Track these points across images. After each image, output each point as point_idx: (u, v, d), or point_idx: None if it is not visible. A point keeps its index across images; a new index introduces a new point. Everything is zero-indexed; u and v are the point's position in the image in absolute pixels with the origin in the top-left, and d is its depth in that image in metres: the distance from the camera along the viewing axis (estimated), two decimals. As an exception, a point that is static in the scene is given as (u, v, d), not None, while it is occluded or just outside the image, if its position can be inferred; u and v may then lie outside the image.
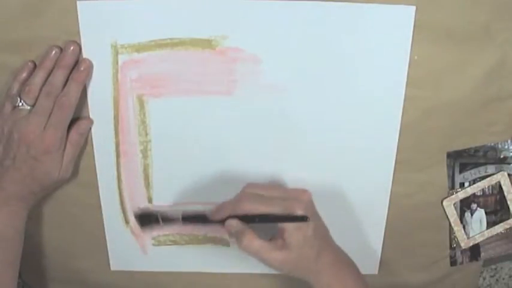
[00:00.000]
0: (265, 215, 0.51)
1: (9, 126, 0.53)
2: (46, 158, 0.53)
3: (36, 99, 0.52)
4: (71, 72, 0.53)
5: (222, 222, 0.53)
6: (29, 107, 0.52)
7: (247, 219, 0.52)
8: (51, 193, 0.60)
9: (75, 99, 0.53)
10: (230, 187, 0.61)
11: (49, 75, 0.53)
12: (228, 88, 0.56)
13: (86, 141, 0.58)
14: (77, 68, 0.53)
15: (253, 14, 0.52)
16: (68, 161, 0.55)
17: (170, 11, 0.52)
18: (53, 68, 0.53)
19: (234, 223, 0.52)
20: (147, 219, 0.61)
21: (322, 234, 0.54)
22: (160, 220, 0.60)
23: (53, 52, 0.53)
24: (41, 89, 0.52)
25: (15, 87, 0.53)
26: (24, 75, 0.53)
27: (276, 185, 0.59)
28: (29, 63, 0.54)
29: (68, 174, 0.56)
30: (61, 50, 0.53)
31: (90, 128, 0.57)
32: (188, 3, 0.52)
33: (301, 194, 0.53)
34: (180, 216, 0.58)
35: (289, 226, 0.51)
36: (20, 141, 0.52)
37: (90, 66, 0.54)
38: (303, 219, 0.50)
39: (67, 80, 0.53)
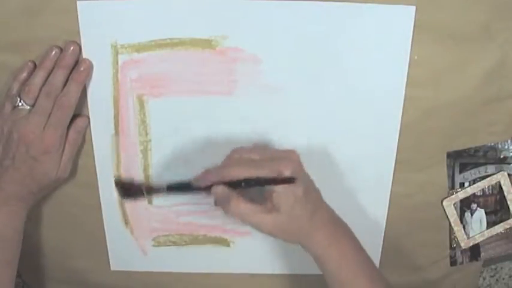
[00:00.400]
0: (251, 178, 0.49)
1: (9, 126, 0.53)
2: (45, 158, 0.53)
3: (36, 99, 0.52)
4: (71, 72, 0.53)
5: (207, 189, 0.51)
6: (28, 107, 0.52)
7: (234, 184, 0.49)
8: (51, 193, 0.60)
9: (75, 99, 0.53)
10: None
11: (49, 75, 0.53)
12: (228, 88, 0.56)
13: (85, 140, 0.58)
14: (77, 68, 0.53)
15: (253, 14, 0.52)
16: (66, 160, 0.55)
17: (170, 11, 0.52)
18: (53, 68, 0.53)
19: (219, 189, 0.50)
20: (129, 190, 0.58)
21: (314, 195, 0.52)
22: (144, 192, 0.57)
23: (53, 52, 0.53)
24: (40, 89, 0.52)
25: (15, 87, 0.53)
26: (24, 75, 0.53)
27: (262, 147, 0.57)
28: (29, 63, 0.54)
29: (66, 173, 0.56)
30: (61, 50, 0.53)
31: (87, 126, 0.57)
32: (188, 3, 0.52)
33: (289, 154, 0.51)
34: (165, 186, 0.54)
35: (277, 188, 0.49)
36: (20, 141, 0.52)
37: (90, 67, 0.54)
38: (290, 180, 0.48)
39: (67, 80, 0.53)
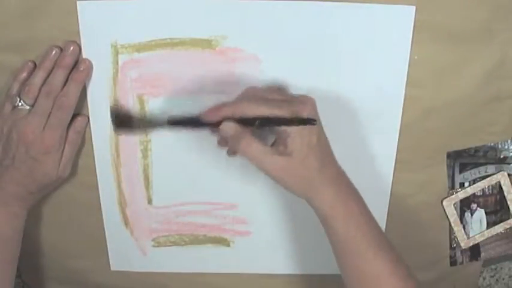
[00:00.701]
0: (267, 117, 0.46)
1: (9, 126, 0.52)
2: (45, 158, 0.53)
3: (36, 99, 0.52)
4: (71, 72, 0.53)
5: (215, 126, 0.48)
6: (28, 107, 0.52)
7: (247, 122, 0.47)
8: (51, 193, 0.60)
9: (74, 100, 0.53)
10: (230, 188, 0.61)
11: (49, 75, 0.53)
12: (228, 88, 0.56)
13: (85, 140, 0.58)
14: (77, 68, 0.53)
15: (253, 14, 0.52)
16: (66, 160, 0.55)
17: (170, 11, 0.52)
18: (53, 68, 0.53)
19: (230, 125, 0.47)
20: (125, 122, 0.55)
21: (326, 145, 0.50)
22: (139, 124, 0.55)
23: (53, 52, 0.52)
24: (40, 89, 0.52)
25: (15, 87, 0.53)
26: (24, 75, 0.53)
27: (278, 87, 0.54)
28: (29, 63, 0.53)
29: (66, 173, 0.56)
30: (61, 50, 0.53)
31: (87, 126, 0.57)
32: (188, 3, 0.52)
33: (306, 98, 0.49)
34: (166, 120, 0.52)
35: (292, 131, 0.47)
36: (19, 141, 0.52)
37: (89, 67, 0.54)
38: (310, 121, 0.46)
39: (67, 80, 0.53)
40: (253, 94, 0.49)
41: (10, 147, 0.52)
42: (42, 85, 0.52)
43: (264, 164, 0.48)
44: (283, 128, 0.47)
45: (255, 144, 0.47)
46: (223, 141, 0.54)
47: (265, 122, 0.46)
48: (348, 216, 0.50)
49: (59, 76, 0.52)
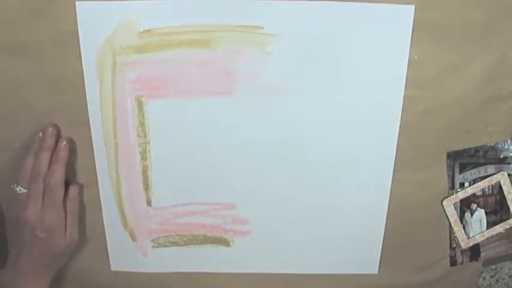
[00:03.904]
0: None
1: (15, 211, 0.56)
2: (50, 235, 0.55)
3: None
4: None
5: None
6: (26, 191, 0.55)
7: None
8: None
9: (60, 178, 0.55)
10: (230, 188, 0.61)
11: None
12: (228, 89, 0.56)
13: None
14: (57, 149, 0.56)
15: (253, 14, 0.52)
16: (70, 227, 0.58)
17: (169, 12, 0.52)
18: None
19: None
20: None
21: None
22: None
23: (40, 135, 0.55)
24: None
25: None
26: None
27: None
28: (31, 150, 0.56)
29: (75, 237, 0.58)
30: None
31: (80, 191, 0.59)
32: (188, 4, 0.52)
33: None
34: None
35: None
36: (25, 225, 0.55)
37: (66, 145, 0.56)
38: None
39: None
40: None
41: (19, 231, 0.55)
42: None
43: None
44: None
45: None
46: None
47: None
48: None
49: (44, 158, 0.55)
